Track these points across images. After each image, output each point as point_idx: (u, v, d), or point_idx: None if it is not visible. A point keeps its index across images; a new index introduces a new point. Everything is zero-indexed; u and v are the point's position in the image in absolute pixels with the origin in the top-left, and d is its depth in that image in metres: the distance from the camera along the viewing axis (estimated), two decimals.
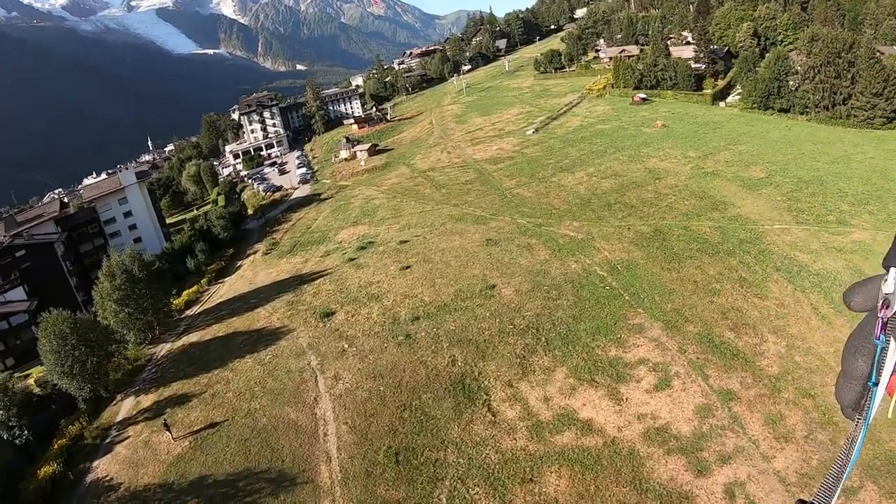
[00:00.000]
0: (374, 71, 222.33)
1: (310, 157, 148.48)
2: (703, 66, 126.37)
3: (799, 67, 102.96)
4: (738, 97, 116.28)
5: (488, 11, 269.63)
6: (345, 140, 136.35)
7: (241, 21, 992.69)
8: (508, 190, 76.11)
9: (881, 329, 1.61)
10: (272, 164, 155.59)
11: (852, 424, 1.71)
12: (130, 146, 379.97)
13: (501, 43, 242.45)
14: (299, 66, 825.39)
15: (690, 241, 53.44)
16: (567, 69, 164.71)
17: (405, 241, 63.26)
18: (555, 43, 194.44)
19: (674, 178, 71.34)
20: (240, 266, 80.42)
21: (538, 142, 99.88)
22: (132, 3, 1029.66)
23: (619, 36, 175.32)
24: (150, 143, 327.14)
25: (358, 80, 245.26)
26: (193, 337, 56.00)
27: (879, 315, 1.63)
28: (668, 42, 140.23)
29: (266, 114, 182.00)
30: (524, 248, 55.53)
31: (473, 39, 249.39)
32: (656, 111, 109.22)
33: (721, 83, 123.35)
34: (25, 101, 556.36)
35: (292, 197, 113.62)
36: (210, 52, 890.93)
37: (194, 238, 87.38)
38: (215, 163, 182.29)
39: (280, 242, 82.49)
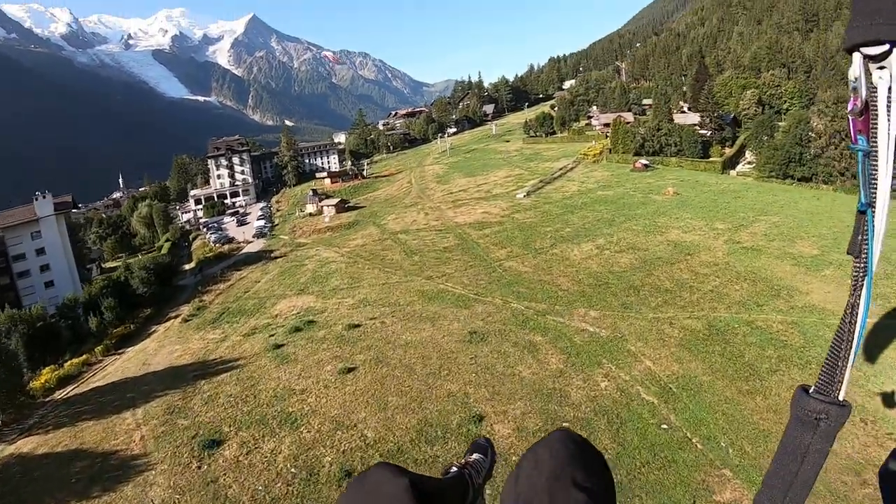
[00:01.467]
0: (356, 127, 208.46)
1: (274, 210, 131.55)
2: (710, 133, 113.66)
3: (817, 133, 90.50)
4: (749, 165, 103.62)
5: (477, 78, 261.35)
6: (311, 193, 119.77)
7: (235, 72, 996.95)
8: (498, 262, 58.86)
9: (854, 130, 1.19)
10: (233, 214, 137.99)
11: (850, 281, 1.23)
12: (108, 180, 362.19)
13: (489, 108, 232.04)
14: (287, 122, 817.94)
15: (764, 345, 36.43)
16: (558, 134, 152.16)
17: (356, 326, 44.94)
18: (544, 110, 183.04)
19: (708, 255, 55.64)
20: (152, 332, 62.70)
21: (531, 206, 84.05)
22: (130, 42, 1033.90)
23: (613, 104, 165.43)
24: (121, 179, 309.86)
25: (340, 137, 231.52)
26: (30, 443, 36.92)
27: (848, 112, 1.20)
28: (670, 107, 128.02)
29: (235, 159, 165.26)
30: (525, 350, 37.51)
31: (461, 103, 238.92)
32: (662, 178, 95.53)
33: (730, 150, 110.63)
34: (9, 121, 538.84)
35: (242, 252, 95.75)
36: (201, 98, 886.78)
37: (105, 291, 68.61)
38: (178, 207, 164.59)
39: (208, 307, 64.08)
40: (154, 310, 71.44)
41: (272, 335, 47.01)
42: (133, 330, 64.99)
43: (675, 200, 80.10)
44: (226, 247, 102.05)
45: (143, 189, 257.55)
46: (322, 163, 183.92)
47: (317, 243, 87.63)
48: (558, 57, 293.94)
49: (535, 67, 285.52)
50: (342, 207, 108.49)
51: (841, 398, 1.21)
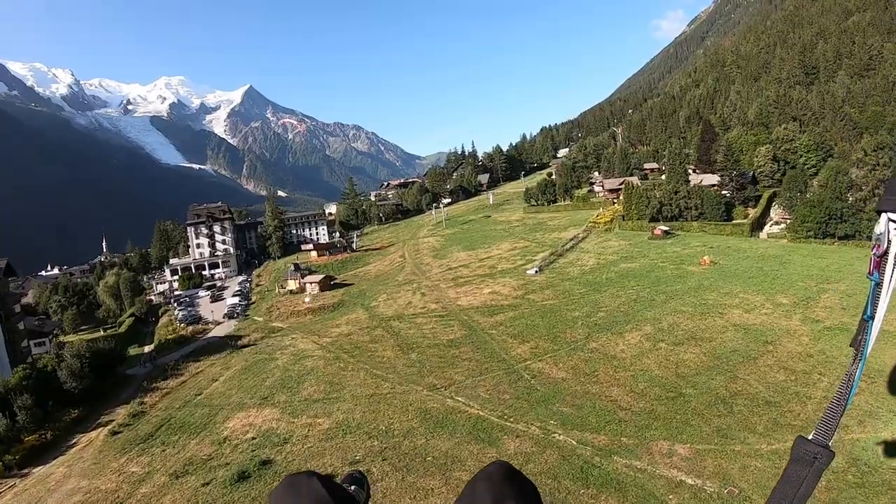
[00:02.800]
0: (347, 197, 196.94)
1: (253, 285, 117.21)
2: (730, 193, 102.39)
3: (858, 185, 79.53)
4: (778, 226, 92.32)
5: (471, 147, 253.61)
6: (293, 268, 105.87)
7: (230, 141, 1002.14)
8: (522, 363, 44.54)
9: (874, 266, 1.70)
10: (209, 287, 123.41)
11: (850, 360, 1.77)
12: (98, 246, 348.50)
13: (484, 178, 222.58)
14: (280, 192, 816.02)
15: None
16: (561, 202, 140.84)
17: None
18: (544, 177, 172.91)
19: (793, 342, 42.86)
20: (73, 444, 48.36)
21: (547, 284, 70.74)
22: (129, 107, 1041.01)
23: (616, 169, 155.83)
24: (104, 243, 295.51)
25: (332, 208, 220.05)
26: None
27: (872, 252, 1.70)
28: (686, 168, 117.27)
29: (216, 227, 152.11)
30: None
31: (454, 173, 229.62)
32: (687, 245, 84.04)
33: (755, 211, 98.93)
34: (3, 177, 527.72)
35: (207, 335, 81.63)
36: (196, 166, 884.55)
37: (25, 384, 54.10)
38: (154, 278, 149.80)
39: (147, 413, 49.64)
40: (84, 410, 56.70)
41: (207, 483, 31.93)
42: (50, 439, 50.18)
43: (714, 271, 67.69)
44: (191, 328, 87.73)
45: (127, 255, 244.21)
46: (310, 234, 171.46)
47: (294, 328, 73.37)
48: (550, 126, 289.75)
49: (528, 136, 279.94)
50: (327, 284, 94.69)
51: (830, 444, 1.59)
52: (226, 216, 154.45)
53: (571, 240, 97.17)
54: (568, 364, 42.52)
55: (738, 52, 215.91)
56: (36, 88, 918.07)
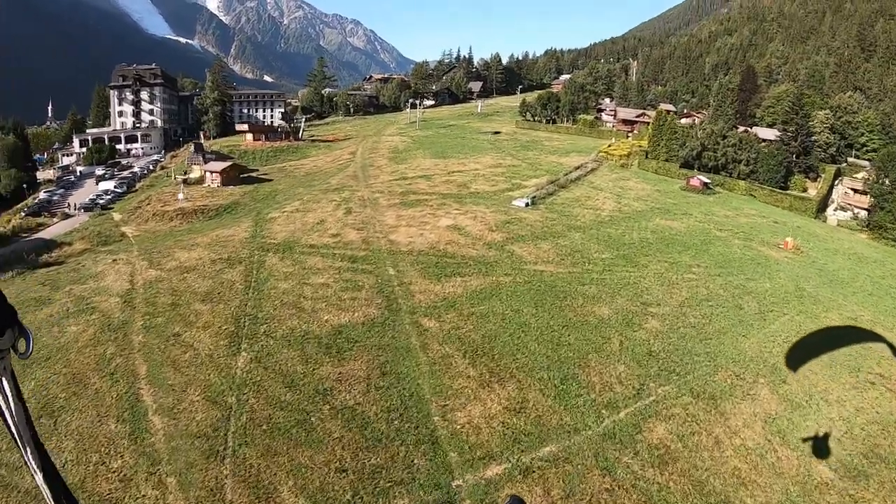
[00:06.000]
0: (313, 79, 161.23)
1: (158, 168, 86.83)
2: (794, 157, 74.08)
3: None
4: (846, 213, 66.69)
5: (468, 52, 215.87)
6: (192, 150, 75.90)
7: (222, 18, 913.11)
8: (478, 472, 17.26)
9: None
10: (112, 166, 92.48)
11: None
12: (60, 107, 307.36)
13: (475, 85, 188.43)
14: (267, 77, 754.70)
15: None
16: (563, 123, 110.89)
17: None
18: (541, 93, 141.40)
19: None
20: None
21: (543, 229, 43.10)
22: None
23: (632, 100, 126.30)
24: (50, 107, 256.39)
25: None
26: None
27: None
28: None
29: (144, 94, 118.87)
30: None
31: (444, 76, 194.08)
32: (739, 211, 58.01)
33: (820, 186, 71.54)
34: None
35: (37, 234, 53.36)
36: (182, 40, 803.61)
37: None
38: (65, 148, 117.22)
39: None
40: None
41: None
42: None
43: (806, 265, 42.18)
44: (29, 220, 58.61)
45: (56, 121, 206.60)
46: (263, 116, 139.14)
47: (140, 240, 45.01)
48: (556, 49, 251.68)
49: (531, 55, 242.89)
50: (234, 176, 65.57)
51: None
52: (157, 80, 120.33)
53: (577, 168, 68.90)
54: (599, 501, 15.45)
55: (781, 10, 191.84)
56: None
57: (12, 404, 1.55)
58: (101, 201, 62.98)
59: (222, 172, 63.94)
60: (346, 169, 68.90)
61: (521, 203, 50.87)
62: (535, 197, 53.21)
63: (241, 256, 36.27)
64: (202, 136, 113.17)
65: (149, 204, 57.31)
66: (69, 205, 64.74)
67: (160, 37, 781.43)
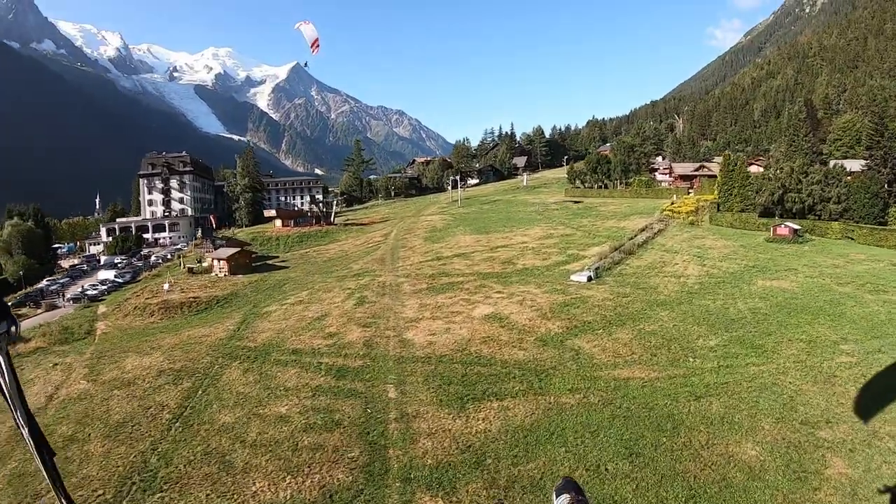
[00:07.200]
0: (350, 164, 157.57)
1: (179, 255, 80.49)
2: (886, 187, 61.12)
3: None
4: None
5: (510, 129, 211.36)
6: (199, 234, 68.81)
7: (272, 115, 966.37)
8: None
9: None
10: (133, 255, 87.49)
11: None
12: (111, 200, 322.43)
13: (520, 160, 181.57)
14: (317, 170, 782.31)
15: None
16: (617, 186, 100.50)
17: None
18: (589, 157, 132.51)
19: None
20: None
21: (616, 311, 31.59)
22: (174, 74, 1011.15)
23: (687, 156, 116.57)
24: (98, 199, 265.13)
25: None
26: None
27: None
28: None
29: (174, 182, 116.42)
30: None
31: (488, 153, 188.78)
32: (847, 258, 45.26)
33: None
34: (40, 131, 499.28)
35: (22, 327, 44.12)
36: (235, 137, 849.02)
37: None
38: (93, 237, 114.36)
39: None
40: None
41: None
42: None
43: None
44: (19, 311, 51.54)
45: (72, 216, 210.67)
46: (301, 203, 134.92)
47: (103, 341, 36.26)
48: (597, 119, 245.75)
49: (573, 128, 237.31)
50: (244, 263, 57.38)
51: None
52: (187, 168, 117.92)
53: (642, 230, 57.73)
54: None
55: (822, 44, 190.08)
56: (84, 49, 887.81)
57: (6, 376, 1.94)
58: (93, 292, 55.79)
59: (229, 260, 55.79)
60: (375, 252, 59.85)
61: (581, 277, 39.77)
62: (598, 268, 42.09)
63: (198, 367, 26.56)
64: (232, 224, 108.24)
65: (137, 296, 49.02)
66: (62, 296, 57.88)
67: (214, 133, 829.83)
